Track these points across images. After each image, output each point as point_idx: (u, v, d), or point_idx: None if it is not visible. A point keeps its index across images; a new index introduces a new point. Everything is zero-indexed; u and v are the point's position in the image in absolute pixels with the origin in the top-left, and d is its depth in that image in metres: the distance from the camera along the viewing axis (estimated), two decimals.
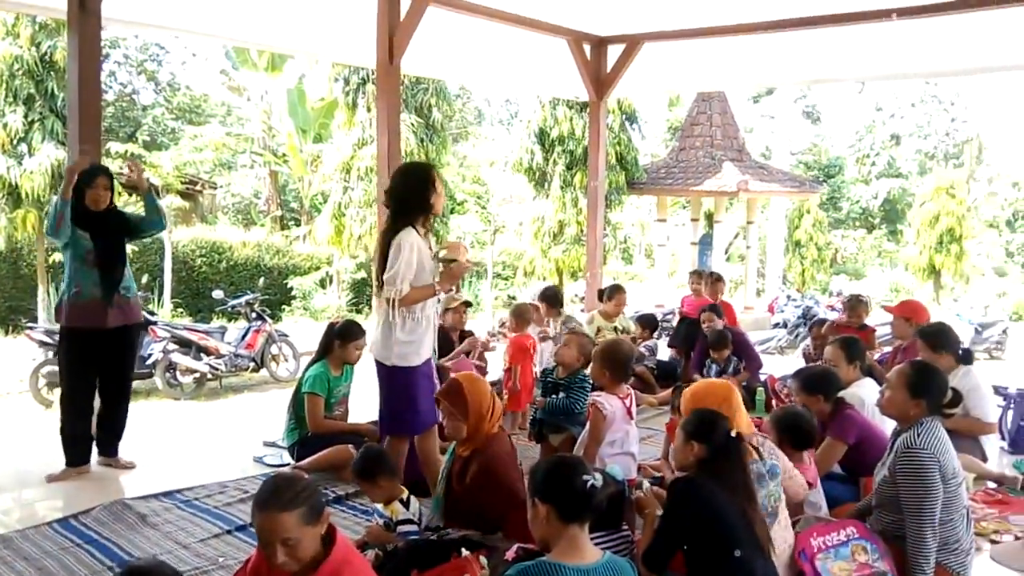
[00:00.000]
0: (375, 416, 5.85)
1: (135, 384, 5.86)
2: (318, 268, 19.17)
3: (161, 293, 16.40)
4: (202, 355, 9.75)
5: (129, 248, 5.42)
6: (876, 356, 6.87)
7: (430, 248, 4.41)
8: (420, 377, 4.39)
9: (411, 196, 4.31)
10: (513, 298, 18.55)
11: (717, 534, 3.02)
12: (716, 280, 8.78)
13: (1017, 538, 4.22)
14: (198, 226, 21.41)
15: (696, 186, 15.42)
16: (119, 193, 5.26)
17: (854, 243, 29.66)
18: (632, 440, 4.46)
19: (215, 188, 24.35)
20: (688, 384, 5.05)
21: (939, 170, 26.11)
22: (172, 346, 9.55)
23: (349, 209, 15.91)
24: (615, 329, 7.93)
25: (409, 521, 3.77)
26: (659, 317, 9.48)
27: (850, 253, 29.30)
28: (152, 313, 11.21)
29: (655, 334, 8.62)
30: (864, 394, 4.87)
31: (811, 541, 3.47)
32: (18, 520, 4.50)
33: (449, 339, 6.97)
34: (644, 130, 21.33)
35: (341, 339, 5.46)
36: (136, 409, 5.63)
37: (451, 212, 20.32)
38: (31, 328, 9.39)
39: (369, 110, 15.28)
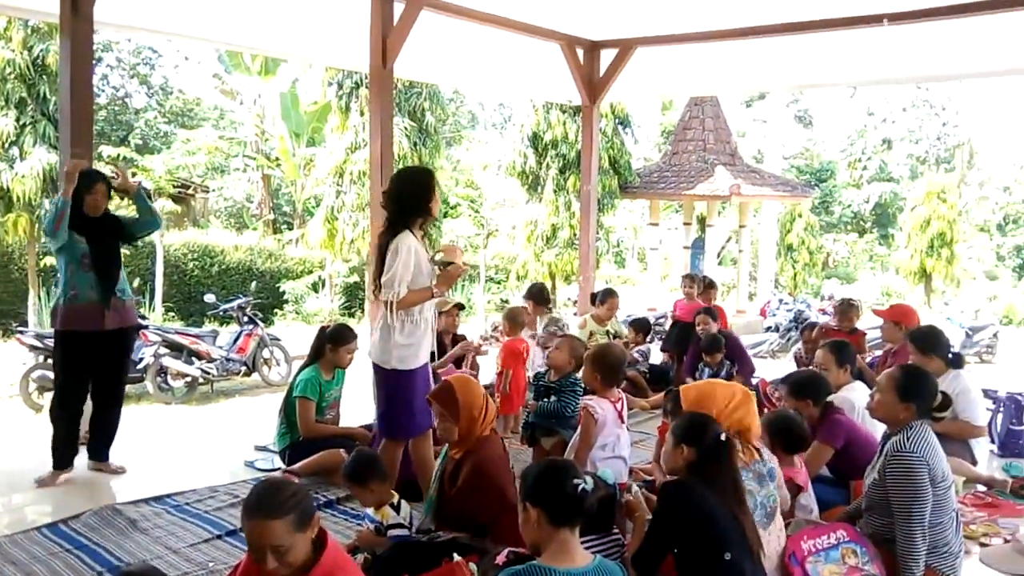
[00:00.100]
0: (366, 420, 5.90)
1: (126, 388, 5.84)
2: (310, 272, 19.14)
3: (153, 297, 16.35)
4: (193, 359, 9.72)
5: (121, 252, 5.41)
6: (867, 360, 6.89)
7: (427, 251, 4.42)
8: (418, 380, 4.39)
9: (410, 200, 4.32)
10: (506, 302, 18.55)
11: (707, 537, 3.02)
12: (708, 286, 8.80)
13: (1006, 541, 4.23)
14: (190, 230, 21.37)
15: (689, 190, 15.45)
16: (110, 197, 5.24)
17: (846, 247, 29.75)
18: (623, 444, 4.47)
19: (207, 192, 24.30)
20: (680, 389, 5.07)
21: (930, 174, 26.20)
22: (163, 350, 9.52)
23: (342, 213, 15.89)
24: (607, 333, 7.94)
25: (400, 525, 3.77)
26: (651, 321, 9.49)
27: (842, 257, 29.39)
28: (144, 317, 11.18)
29: (648, 338, 8.64)
30: (855, 398, 4.89)
31: (801, 544, 3.48)
32: (7, 525, 4.48)
33: (442, 342, 6.97)
34: (637, 134, 21.34)
35: (333, 343, 5.45)
36: (127, 413, 5.61)
37: (444, 216, 20.31)
38: (22, 332, 9.35)
39: (362, 114, 15.27)
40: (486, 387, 4.47)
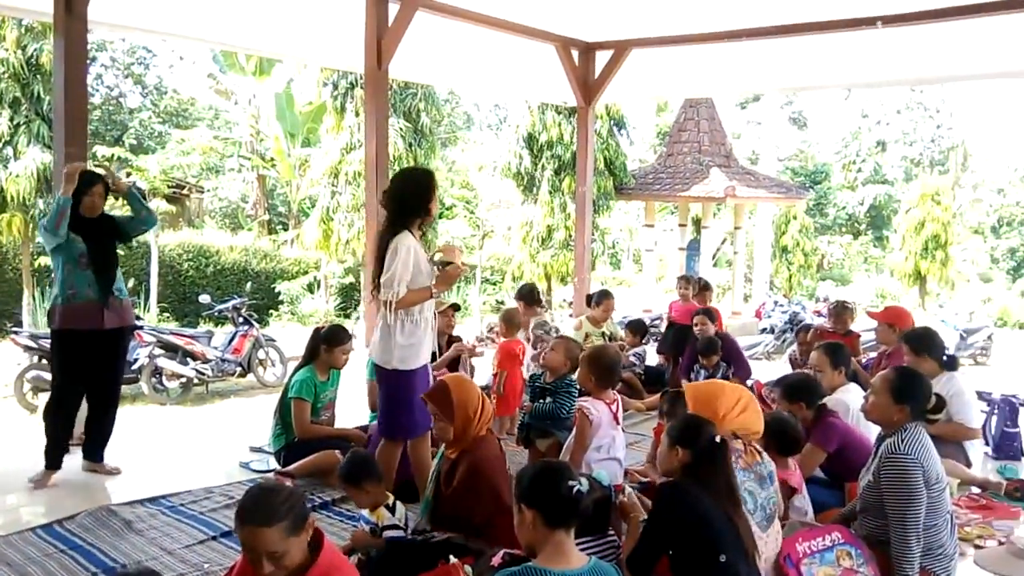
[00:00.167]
0: (362, 421, 5.90)
1: (121, 389, 5.83)
2: (306, 273, 19.11)
3: (147, 297, 16.31)
4: (188, 360, 9.70)
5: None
6: (861, 362, 6.91)
7: (425, 251, 4.43)
8: (419, 381, 4.40)
9: (411, 200, 4.34)
10: (501, 303, 18.54)
11: (702, 538, 3.03)
12: (704, 288, 8.81)
13: (1001, 543, 4.25)
14: (185, 230, 21.31)
15: (684, 192, 15.46)
16: (106, 198, 5.25)
17: (840, 249, 29.81)
18: (618, 445, 4.47)
19: (202, 192, 24.24)
20: (675, 390, 5.08)
21: (924, 176, 26.27)
22: (158, 351, 9.49)
23: (337, 213, 15.86)
24: (603, 335, 7.95)
25: (395, 527, 3.77)
26: (647, 322, 9.50)
27: (836, 259, 29.44)
28: (138, 317, 11.13)
29: (644, 340, 8.64)
30: (849, 399, 4.91)
31: (796, 546, 3.49)
32: (2, 526, 4.46)
33: (437, 343, 6.97)
34: (632, 136, 21.39)
35: (328, 344, 5.45)
36: (122, 414, 5.60)
37: (440, 217, 20.30)
38: (16, 333, 9.31)
39: (357, 115, 15.25)
40: (482, 388, 4.47)
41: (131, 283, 15.90)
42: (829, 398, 4.88)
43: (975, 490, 5.07)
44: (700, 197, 15.43)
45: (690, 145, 16.36)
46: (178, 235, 19.77)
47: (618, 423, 4.50)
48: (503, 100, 28.02)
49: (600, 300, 8.08)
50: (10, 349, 9.47)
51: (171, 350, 9.64)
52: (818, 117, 35.72)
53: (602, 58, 9.55)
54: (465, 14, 7.61)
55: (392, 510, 3.82)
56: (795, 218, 22.17)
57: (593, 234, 13.91)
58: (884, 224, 30.53)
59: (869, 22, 7.56)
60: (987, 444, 6.00)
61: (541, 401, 5.32)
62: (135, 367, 9.27)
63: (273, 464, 5.48)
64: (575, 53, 9.48)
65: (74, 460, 5.42)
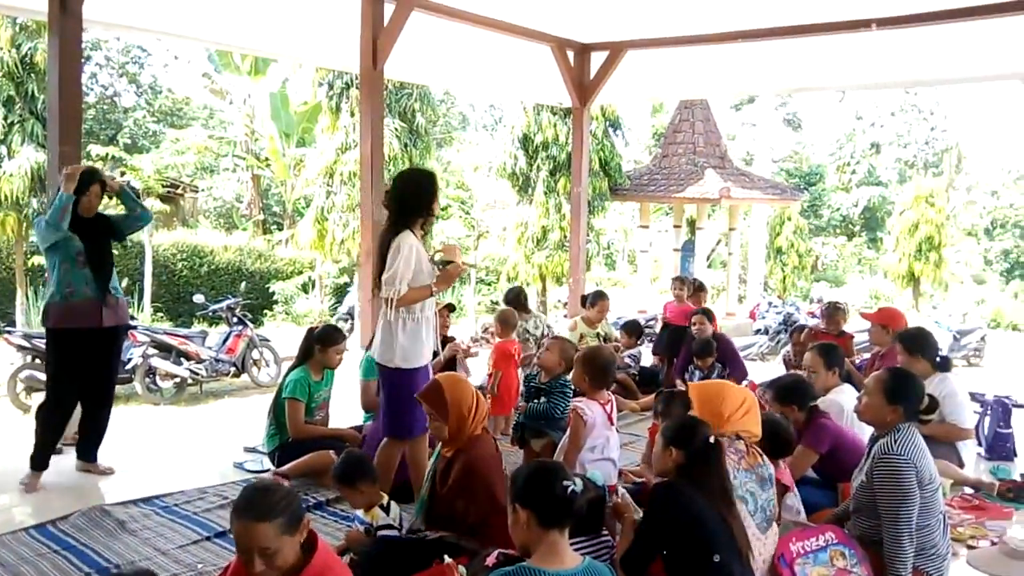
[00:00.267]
0: (356, 421, 5.89)
1: (115, 389, 5.82)
2: (300, 272, 19.09)
3: (141, 297, 16.27)
4: (182, 360, 9.68)
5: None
6: (855, 363, 6.92)
7: (426, 251, 4.45)
8: (420, 379, 4.40)
9: (412, 200, 4.37)
10: (496, 303, 18.53)
11: (696, 538, 3.03)
12: (698, 288, 8.82)
13: (993, 543, 4.26)
14: (179, 230, 21.30)
15: (679, 193, 15.50)
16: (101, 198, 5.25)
17: (834, 250, 29.87)
18: (613, 446, 4.48)
19: (196, 192, 24.22)
20: (670, 390, 5.08)
21: (919, 178, 26.35)
22: (152, 351, 9.47)
23: (332, 213, 15.85)
24: (598, 336, 7.96)
25: (389, 527, 3.77)
26: (642, 323, 9.51)
27: (830, 260, 29.50)
28: (132, 317, 11.09)
29: (639, 341, 8.65)
30: (843, 400, 4.91)
31: (790, 546, 3.50)
32: None
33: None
34: (627, 137, 21.39)
35: (321, 344, 5.44)
36: (115, 414, 5.59)
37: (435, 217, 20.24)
38: (9, 332, 9.28)
39: (353, 115, 15.23)
40: (478, 388, 4.48)
41: (125, 283, 15.85)
42: (823, 399, 4.89)
43: (968, 491, 5.09)
44: (695, 198, 15.46)
45: (685, 146, 16.39)
46: (172, 235, 19.75)
47: (612, 424, 4.51)
48: (498, 101, 28.03)
49: (595, 301, 8.08)
50: (3, 349, 9.44)
51: (165, 350, 9.62)
52: (812, 119, 35.88)
53: (597, 59, 9.56)
54: (460, 14, 7.61)
55: (387, 510, 3.82)
56: (789, 219, 22.23)
57: (588, 235, 13.90)
58: (878, 226, 30.62)
59: (863, 24, 7.58)
60: (980, 445, 6.02)
61: (535, 401, 5.33)
62: (129, 367, 9.25)
63: (267, 464, 5.47)
64: (570, 54, 9.49)
65: (67, 460, 5.41)
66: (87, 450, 5.38)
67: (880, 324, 6.38)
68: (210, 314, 12.71)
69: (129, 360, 9.24)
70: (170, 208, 21.30)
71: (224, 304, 10.86)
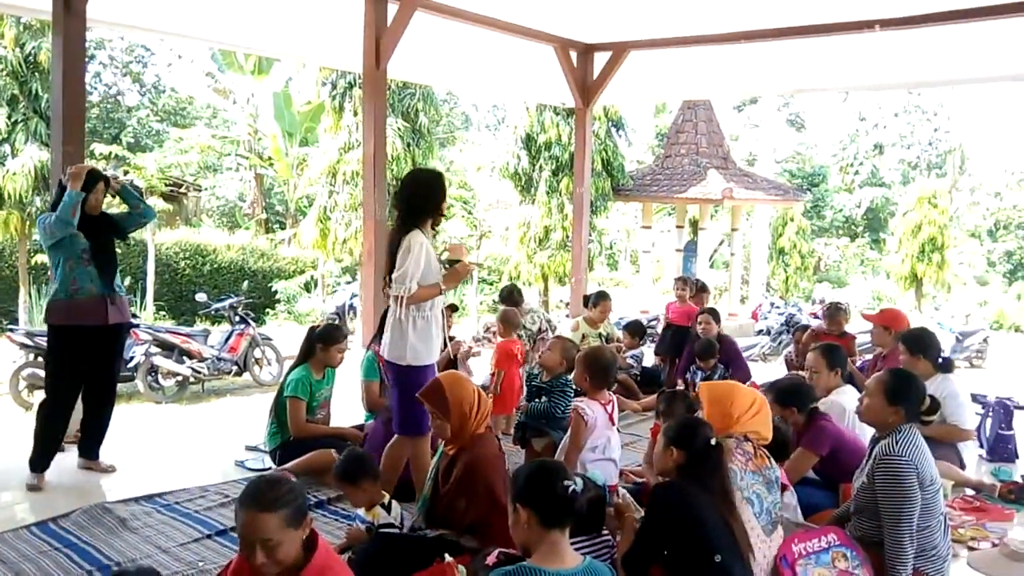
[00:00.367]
0: (358, 420, 5.90)
1: (117, 387, 5.83)
2: (303, 272, 19.10)
3: (144, 296, 16.29)
4: (184, 358, 9.69)
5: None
6: (856, 363, 6.92)
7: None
8: (430, 376, 4.41)
9: (419, 202, 4.40)
10: (498, 303, 18.51)
11: (697, 539, 3.03)
12: (701, 289, 8.81)
13: (994, 545, 4.25)
14: (182, 229, 21.31)
15: (681, 193, 15.49)
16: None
17: (837, 251, 29.84)
18: (614, 446, 4.48)
19: (200, 191, 24.23)
20: (672, 390, 5.08)
21: (922, 180, 26.31)
22: (154, 349, 9.48)
23: (334, 213, 15.86)
24: (600, 336, 7.95)
25: (391, 525, 3.77)
26: (644, 323, 9.51)
27: (833, 261, 29.47)
28: (135, 315, 11.12)
29: (641, 341, 8.64)
30: (845, 401, 4.91)
31: (792, 547, 3.49)
32: None
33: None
34: (630, 137, 21.38)
35: (323, 342, 5.45)
36: (117, 412, 5.60)
37: None
38: (12, 330, 9.30)
39: (356, 114, 15.25)
40: (481, 387, 4.48)
41: (128, 281, 15.88)
42: (824, 400, 4.89)
43: (969, 492, 5.08)
44: (697, 199, 15.45)
45: (688, 147, 16.39)
46: (175, 233, 19.76)
47: (614, 424, 4.51)
48: (501, 101, 28.03)
49: (597, 301, 8.08)
50: (6, 347, 9.45)
51: (167, 348, 9.63)
52: (816, 119, 35.85)
53: (600, 59, 9.56)
54: (463, 14, 7.62)
55: (388, 509, 3.82)
56: (792, 220, 22.20)
57: (590, 235, 13.90)
58: (881, 227, 30.58)
59: (867, 25, 7.58)
60: (981, 446, 6.02)
61: (537, 400, 5.33)
62: (131, 365, 9.27)
63: (268, 463, 5.48)
64: (573, 54, 9.49)
65: (69, 458, 5.41)
66: (89, 448, 5.39)
67: (882, 325, 6.38)
68: (212, 313, 12.73)
69: (131, 358, 9.26)
70: (173, 207, 21.32)
71: (226, 303, 10.87)
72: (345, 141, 15.67)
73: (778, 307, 14.25)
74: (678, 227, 17.26)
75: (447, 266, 4.47)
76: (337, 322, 13.09)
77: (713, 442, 3.21)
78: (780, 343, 12.43)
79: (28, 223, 13.17)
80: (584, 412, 4.34)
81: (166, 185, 18.56)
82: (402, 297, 4.27)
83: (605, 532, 3.49)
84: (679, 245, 17.01)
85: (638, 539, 3.21)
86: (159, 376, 9.50)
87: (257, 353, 10.45)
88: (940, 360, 5.34)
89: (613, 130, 17.17)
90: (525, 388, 6.30)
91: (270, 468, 5.35)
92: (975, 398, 5.92)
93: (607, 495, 3.57)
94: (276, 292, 18.27)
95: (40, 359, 8.45)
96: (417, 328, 4.36)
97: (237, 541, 2.61)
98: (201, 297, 11.76)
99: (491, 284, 20.95)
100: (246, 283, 15.34)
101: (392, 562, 3.43)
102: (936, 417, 3.90)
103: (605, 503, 3.53)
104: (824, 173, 32.71)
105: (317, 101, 18.51)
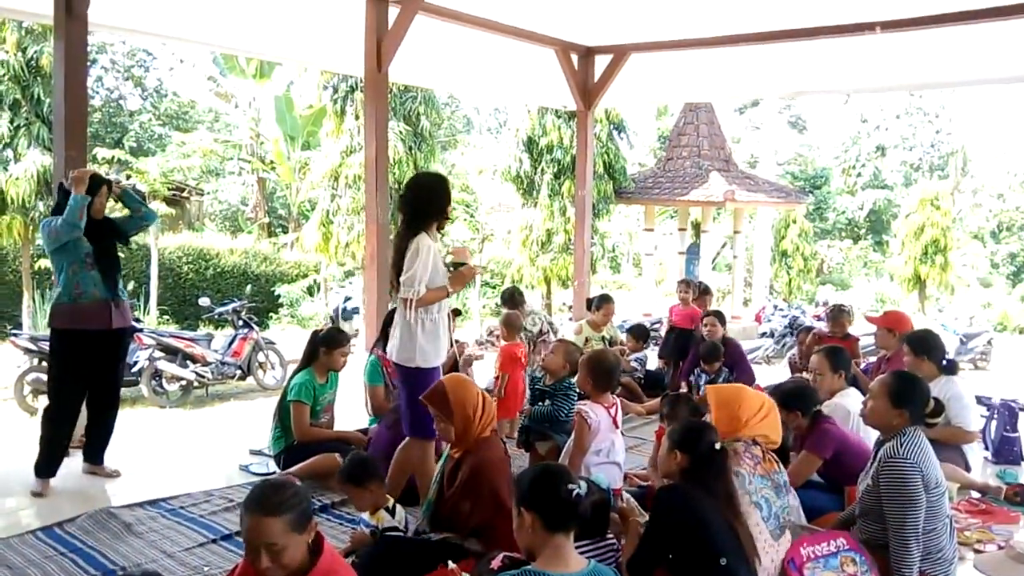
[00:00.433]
0: (362, 424, 5.90)
1: (121, 392, 5.83)
2: (305, 276, 19.12)
3: (147, 300, 16.31)
4: (188, 363, 9.70)
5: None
6: (860, 366, 6.90)
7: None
8: (438, 377, 4.41)
9: (423, 206, 4.43)
10: (501, 307, 18.51)
11: (701, 542, 3.03)
12: (704, 292, 8.79)
13: (1000, 547, 4.24)
14: (185, 233, 21.35)
15: (683, 196, 15.48)
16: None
17: (840, 253, 29.82)
18: (618, 449, 4.47)
19: (202, 195, 24.27)
20: (675, 392, 5.07)
21: (924, 181, 26.31)
22: (158, 353, 9.49)
23: (337, 217, 15.85)
24: (603, 339, 7.95)
25: (395, 529, 3.77)
26: (647, 326, 9.50)
27: (836, 263, 29.46)
28: (138, 320, 11.13)
29: (645, 344, 8.63)
30: (849, 404, 4.90)
31: (800, 550, 3.49)
32: (1, 528, 4.45)
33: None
34: (632, 139, 21.40)
35: (326, 346, 5.45)
36: (122, 417, 5.59)
37: None
38: (16, 335, 9.31)
39: (357, 118, 15.25)
40: (484, 391, 4.48)
41: (131, 286, 15.91)
42: (828, 402, 4.88)
43: (975, 494, 5.07)
44: (700, 201, 15.44)
45: (690, 149, 16.39)
46: (178, 238, 19.80)
47: (617, 427, 4.50)
48: (503, 104, 28.04)
49: (600, 304, 8.08)
50: (10, 351, 9.46)
51: (171, 353, 9.64)
52: (818, 121, 35.85)
53: (601, 62, 9.57)
54: (465, 18, 7.63)
55: (392, 512, 3.82)
56: (795, 222, 22.18)
57: (593, 238, 13.91)
58: (884, 229, 30.56)
59: (868, 27, 7.58)
60: (987, 449, 6.00)
61: (540, 404, 5.33)
62: (135, 370, 9.28)
63: (273, 467, 5.48)
64: (575, 57, 9.50)
65: (74, 463, 5.41)
66: (93, 453, 5.39)
67: (886, 328, 6.36)
68: (216, 317, 12.74)
69: (135, 363, 9.27)
70: (176, 211, 21.35)
71: (230, 307, 10.88)
72: (347, 145, 15.67)
73: (781, 310, 14.24)
74: (680, 230, 17.26)
75: (451, 269, 4.51)
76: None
77: (717, 446, 3.21)
78: (784, 346, 12.42)
79: (31, 228, 13.18)
80: (588, 415, 4.34)
81: (169, 189, 18.60)
82: (411, 300, 4.28)
83: (610, 536, 3.48)
84: (682, 248, 17.01)
85: (643, 543, 3.21)
86: (163, 380, 9.51)
87: (261, 357, 10.46)
88: (944, 362, 5.33)
89: (615, 133, 17.17)
90: (529, 392, 6.29)
91: (274, 472, 5.35)
92: (980, 400, 5.91)
93: (611, 499, 3.56)
94: (279, 296, 18.29)
95: (44, 364, 8.45)
96: (426, 330, 4.38)
97: (242, 545, 2.61)
98: (204, 301, 11.77)
99: (494, 288, 20.96)
100: (249, 287, 15.36)
101: (397, 566, 3.43)
102: (941, 419, 3.89)
103: (609, 507, 3.52)
104: (826, 175, 32.71)
105: (319, 105, 18.54)
